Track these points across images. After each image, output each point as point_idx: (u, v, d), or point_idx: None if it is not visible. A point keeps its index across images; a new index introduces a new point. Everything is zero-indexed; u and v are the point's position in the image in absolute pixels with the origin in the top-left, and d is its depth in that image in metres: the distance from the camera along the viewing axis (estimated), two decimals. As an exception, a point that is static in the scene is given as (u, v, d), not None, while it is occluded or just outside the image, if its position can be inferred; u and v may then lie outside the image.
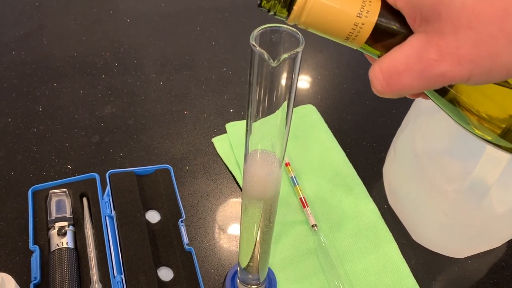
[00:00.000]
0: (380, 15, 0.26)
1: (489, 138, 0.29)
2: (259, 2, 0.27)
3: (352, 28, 0.26)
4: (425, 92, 0.29)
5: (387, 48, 0.27)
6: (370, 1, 0.26)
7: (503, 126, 0.27)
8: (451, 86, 0.27)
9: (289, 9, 0.27)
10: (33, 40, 0.78)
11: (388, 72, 0.26)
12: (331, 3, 0.26)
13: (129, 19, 0.84)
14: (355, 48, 0.28)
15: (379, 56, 0.28)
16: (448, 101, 0.28)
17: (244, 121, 0.68)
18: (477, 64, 0.24)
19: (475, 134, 0.29)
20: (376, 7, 0.26)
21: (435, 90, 0.28)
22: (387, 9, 0.27)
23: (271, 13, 0.27)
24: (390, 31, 0.27)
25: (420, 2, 0.25)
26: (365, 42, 0.27)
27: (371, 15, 0.26)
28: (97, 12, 0.85)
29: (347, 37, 0.27)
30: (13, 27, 0.80)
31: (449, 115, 0.29)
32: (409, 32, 0.26)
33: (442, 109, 0.29)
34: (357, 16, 0.26)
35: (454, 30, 0.24)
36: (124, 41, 0.79)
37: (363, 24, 0.26)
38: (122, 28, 0.82)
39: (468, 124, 0.28)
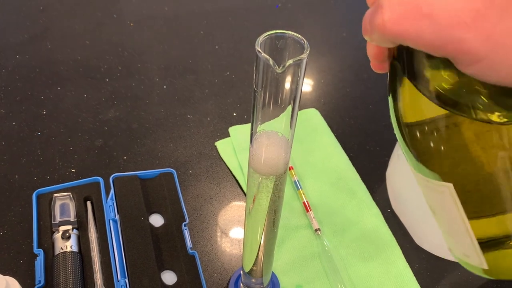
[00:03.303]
0: None
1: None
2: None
3: None
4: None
5: None
6: None
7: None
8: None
9: None
10: (38, 43, 0.79)
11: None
12: None
13: (133, 23, 0.84)
14: None
15: None
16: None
17: (247, 125, 0.68)
18: (505, 49, 0.21)
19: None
20: None
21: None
22: None
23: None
24: None
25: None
26: None
27: None
28: (101, 16, 0.86)
29: None
30: (17, 31, 0.81)
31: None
32: None
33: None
34: None
35: (500, 15, 0.21)
36: (127, 45, 0.80)
37: None
38: (126, 32, 0.83)
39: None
